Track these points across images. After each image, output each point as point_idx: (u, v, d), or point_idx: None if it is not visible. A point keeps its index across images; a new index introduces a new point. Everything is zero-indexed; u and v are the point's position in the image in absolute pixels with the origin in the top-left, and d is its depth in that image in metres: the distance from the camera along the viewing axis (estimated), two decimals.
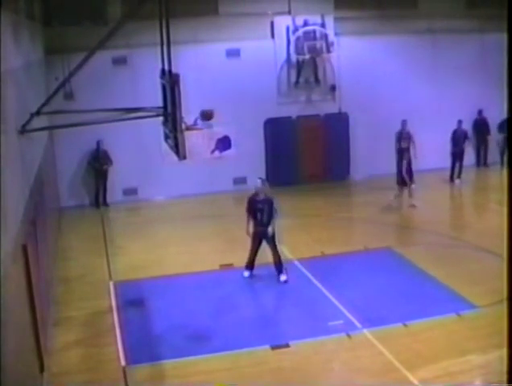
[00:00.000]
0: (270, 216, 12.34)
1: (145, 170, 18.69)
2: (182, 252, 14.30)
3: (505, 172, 15.27)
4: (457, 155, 19.31)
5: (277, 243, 12.40)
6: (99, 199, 18.60)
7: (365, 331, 9.94)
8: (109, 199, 18.64)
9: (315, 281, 12.07)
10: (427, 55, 20.32)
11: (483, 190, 19.56)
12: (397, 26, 19.81)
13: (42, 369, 8.68)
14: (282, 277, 12.16)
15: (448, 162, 19.39)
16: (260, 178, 12.97)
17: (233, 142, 19.19)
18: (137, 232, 15.96)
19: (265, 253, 13.78)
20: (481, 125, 20.88)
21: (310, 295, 11.53)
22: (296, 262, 13.13)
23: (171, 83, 9.02)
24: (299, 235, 15.15)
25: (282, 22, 19.16)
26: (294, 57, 19.36)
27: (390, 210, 16.80)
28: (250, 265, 12.56)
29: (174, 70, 9.14)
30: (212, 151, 19.16)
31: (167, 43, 9.20)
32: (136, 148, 18.45)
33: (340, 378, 9.02)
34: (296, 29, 19.10)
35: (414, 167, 18.17)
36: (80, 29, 17.08)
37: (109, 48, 12.56)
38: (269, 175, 20.02)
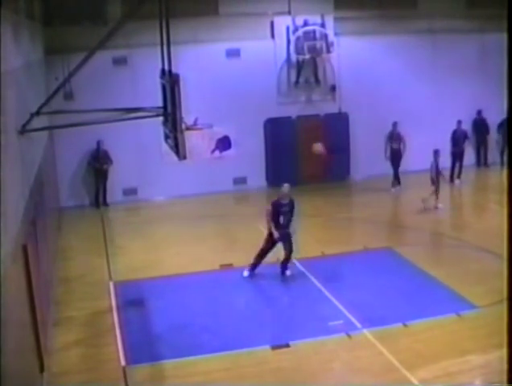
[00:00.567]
0: (291, 218, 12.54)
1: (145, 170, 18.69)
2: (182, 252, 14.29)
3: (505, 172, 15.26)
4: (457, 155, 19.30)
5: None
6: (99, 198, 18.60)
7: (365, 331, 9.94)
8: (109, 199, 18.64)
9: (315, 281, 12.07)
10: (427, 55, 20.32)
11: (483, 190, 19.56)
12: (397, 26, 19.81)
13: (42, 369, 8.67)
14: (288, 272, 12.34)
15: (447, 162, 19.37)
16: (285, 184, 12.87)
17: (233, 142, 19.38)
18: (137, 232, 15.96)
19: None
20: (480, 125, 20.89)
21: (310, 295, 11.54)
22: (296, 262, 13.12)
23: (171, 83, 9.02)
24: (299, 235, 15.12)
25: (282, 22, 19.15)
26: (294, 57, 19.36)
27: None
28: (254, 266, 12.53)
29: (174, 70, 9.15)
30: (212, 151, 19.35)
31: (167, 43, 9.21)
32: (136, 148, 18.46)
33: (340, 378, 9.02)
34: (296, 29, 19.10)
35: (406, 168, 18.26)
36: (80, 29, 17.08)
37: (109, 48, 12.57)
38: (269, 175, 20.06)
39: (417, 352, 9.23)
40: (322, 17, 19.19)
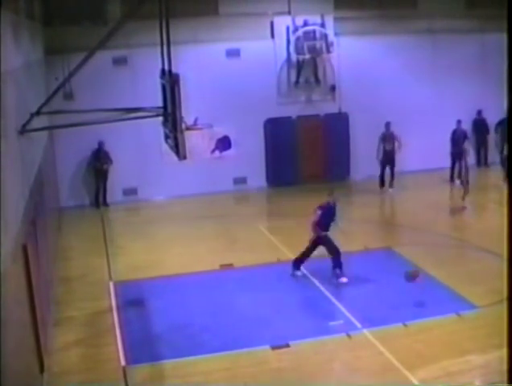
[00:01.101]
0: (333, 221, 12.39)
1: (145, 170, 18.69)
2: (182, 252, 14.29)
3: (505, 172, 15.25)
4: (457, 155, 19.28)
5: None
6: (99, 199, 18.60)
7: (365, 331, 9.94)
8: (109, 199, 18.65)
9: (315, 281, 12.07)
10: (427, 55, 20.32)
11: (483, 190, 19.53)
12: (397, 26, 19.81)
13: (42, 369, 8.68)
14: (344, 279, 11.97)
15: (448, 162, 19.38)
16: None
17: (233, 142, 19.38)
18: (137, 232, 15.96)
19: (262, 253, 13.81)
20: (480, 125, 20.90)
21: (310, 295, 11.54)
22: None
23: (171, 83, 9.02)
24: (299, 235, 15.11)
25: (282, 22, 19.16)
26: (294, 57, 19.37)
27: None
28: (300, 263, 12.43)
29: (174, 70, 9.15)
30: (212, 151, 19.34)
31: (167, 43, 9.21)
32: (136, 148, 18.46)
33: (340, 378, 9.02)
34: (296, 29, 19.11)
35: (406, 168, 18.18)
36: (80, 29, 17.08)
37: (109, 48, 12.56)
38: (269, 175, 20.06)
39: (417, 352, 9.23)
40: (322, 17, 19.20)
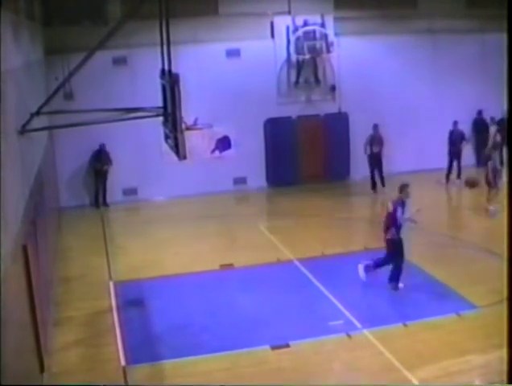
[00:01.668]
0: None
1: (145, 170, 18.69)
2: (182, 252, 14.29)
3: (504, 172, 15.27)
4: (454, 156, 19.24)
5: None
6: (99, 199, 18.61)
7: (365, 331, 9.93)
8: (109, 199, 18.65)
9: (315, 281, 12.07)
10: (427, 55, 20.32)
11: (483, 190, 19.53)
12: (397, 26, 19.82)
13: (42, 369, 8.67)
14: (401, 285, 11.46)
15: (445, 163, 19.37)
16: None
17: (233, 142, 19.41)
18: (137, 232, 15.96)
19: (262, 253, 13.81)
20: (480, 125, 20.89)
21: (310, 295, 11.53)
22: (296, 262, 13.14)
23: (171, 83, 9.02)
24: (299, 235, 15.15)
25: (282, 22, 19.16)
26: (294, 57, 19.37)
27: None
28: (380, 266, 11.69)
29: (174, 70, 9.14)
30: (212, 151, 19.36)
31: (167, 43, 9.21)
32: (136, 148, 18.46)
33: (340, 378, 9.02)
34: (296, 29, 19.11)
35: (407, 168, 18.11)
36: (80, 29, 17.09)
37: (109, 48, 12.55)
38: (269, 175, 20.06)
39: (417, 352, 9.22)
40: (322, 17, 19.20)
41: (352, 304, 10.87)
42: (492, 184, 16.02)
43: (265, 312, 10.89)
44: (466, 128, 20.06)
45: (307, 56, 19.17)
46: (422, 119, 20.22)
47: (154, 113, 10.01)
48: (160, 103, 9.90)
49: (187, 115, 10.01)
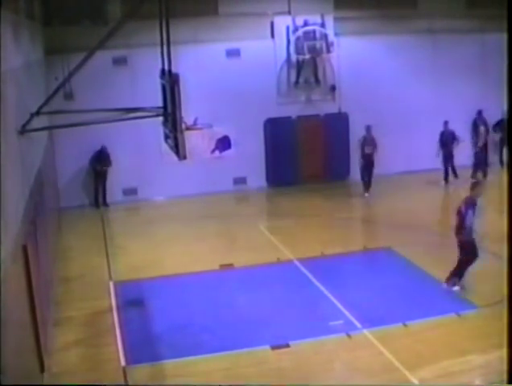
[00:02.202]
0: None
1: (145, 170, 18.69)
2: (182, 252, 14.30)
3: (504, 172, 15.26)
4: (446, 157, 19.15)
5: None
6: (98, 199, 18.60)
7: (365, 331, 9.93)
8: (108, 199, 18.65)
9: (315, 281, 12.07)
10: (427, 55, 20.32)
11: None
12: (397, 26, 19.81)
13: (42, 369, 8.67)
14: (456, 288, 11.21)
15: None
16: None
17: (233, 142, 19.40)
18: (137, 232, 15.96)
19: (262, 253, 13.82)
20: (480, 125, 20.85)
21: (310, 295, 11.53)
22: (296, 262, 13.14)
23: (171, 83, 9.02)
24: (299, 235, 15.16)
25: (282, 22, 19.16)
26: (294, 57, 19.37)
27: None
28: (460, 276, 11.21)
29: (174, 70, 9.14)
30: (212, 151, 19.35)
31: (167, 43, 9.20)
32: (136, 148, 18.46)
33: (340, 378, 9.02)
34: (296, 29, 19.11)
35: (407, 168, 17.97)
36: (80, 29, 17.09)
37: (109, 48, 12.54)
38: (269, 175, 20.06)
39: (417, 352, 9.22)
40: (322, 17, 19.20)
41: (352, 304, 10.86)
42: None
43: (265, 312, 10.89)
44: (466, 128, 20.03)
45: (307, 56, 19.17)
46: (422, 119, 20.20)
47: (154, 113, 10.01)
48: (160, 103, 9.90)
49: (187, 115, 10.00)
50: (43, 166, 12.87)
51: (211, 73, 18.59)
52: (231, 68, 18.88)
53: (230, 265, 13.22)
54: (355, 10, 19.44)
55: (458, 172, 19.25)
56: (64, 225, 16.61)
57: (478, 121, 20.11)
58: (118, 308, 11.32)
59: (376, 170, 18.93)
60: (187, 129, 9.95)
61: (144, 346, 9.85)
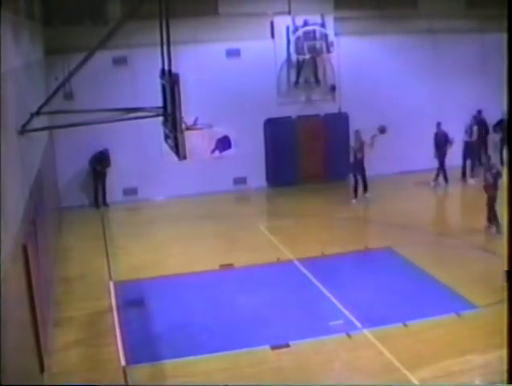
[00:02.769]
0: None
1: (145, 170, 18.69)
2: (182, 252, 14.29)
3: (504, 172, 15.26)
4: (440, 158, 19.06)
5: None
6: (98, 199, 18.60)
7: (365, 331, 9.94)
8: (109, 199, 18.64)
9: (315, 281, 12.07)
10: (427, 55, 20.32)
11: (482, 189, 19.53)
12: (397, 26, 19.81)
13: (42, 369, 8.68)
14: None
15: (450, 162, 19.36)
16: None
17: (233, 142, 19.38)
18: (137, 232, 15.96)
19: (262, 253, 13.82)
20: (480, 126, 20.84)
21: (310, 295, 11.53)
22: (296, 262, 13.14)
23: (171, 83, 9.02)
24: (299, 235, 15.16)
25: (282, 22, 19.16)
26: (294, 57, 19.37)
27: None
28: None
29: (174, 70, 9.15)
30: (212, 151, 19.33)
31: (167, 43, 9.21)
32: (136, 148, 18.45)
33: (340, 378, 9.02)
34: (296, 29, 19.11)
35: (407, 168, 17.78)
36: (80, 29, 17.09)
37: (109, 48, 12.55)
38: (269, 175, 20.06)
39: (417, 352, 9.23)
40: (322, 17, 19.20)
41: (352, 304, 10.87)
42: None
43: (265, 312, 10.90)
44: (466, 127, 20.00)
45: (307, 56, 19.17)
46: (422, 119, 20.19)
47: (154, 113, 10.01)
48: (160, 103, 9.90)
49: (187, 115, 10.00)
50: (43, 166, 12.87)
51: (211, 73, 18.59)
52: (231, 68, 18.88)
53: (230, 265, 13.22)
54: (355, 10, 19.44)
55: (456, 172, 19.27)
56: (64, 225, 16.61)
57: (472, 120, 20.03)
58: (118, 308, 11.32)
59: (376, 170, 18.94)
60: (187, 129, 9.95)
61: (144, 346, 9.85)
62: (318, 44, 19.17)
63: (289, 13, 19.13)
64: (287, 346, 9.61)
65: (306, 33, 19.09)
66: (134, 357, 9.49)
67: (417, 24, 20.07)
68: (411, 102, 20.23)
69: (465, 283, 11.52)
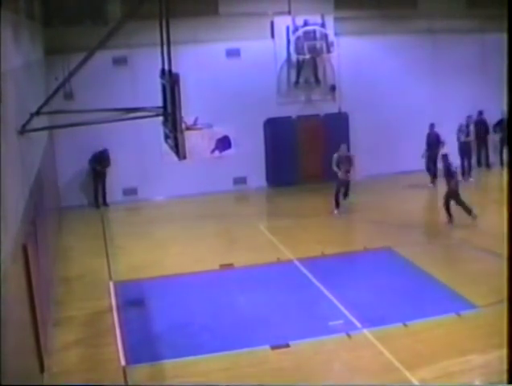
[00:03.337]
0: None
1: (145, 170, 18.70)
2: (182, 252, 14.30)
3: (504, 172, 15.26)
4: (431, 159, 19.06)
5: None
6: (98, 199, 18.60)
7: (365, 331, 9.94)
8: (108, 199, 18.65)
9: (315, 281, 12.07)
10: (427, 55, 20.33)
11: (483, 190, 19.56)
12: (397, 26, 19.82)
13: (42, 369, 8.67)
14: None
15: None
16: None
17: (233, 142, 19.39)
18: (137, 232, 15.96)
19: (262, 253, 13.82)
20: (481, 126, 20.85)
21: (310, 295, 11.53)
22: (296, 262, 13.14)
23: (171, 83, 9.02)
24: (299, 235, 15.15)
25: (282, 22, 19.17)
26: (294, 57, 19.38)
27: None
28: None
29: (174, 70, 9.15)
30: (212, 151, 19.34)
31: (167, 43, 9.21)
32: (136, 148, 18.46)
33: (340, 378, 9.02)
34: (296, 29, 19.11)
35: (403, 168, 17.67)
36: (80, 29, 17.09)
37: (109, 48, 12.56)
38: (269, 175, 20.07)
39: (417, 352, 9.22)
40: (322, 17, 19.20)
41: (352, 304, 10.86)
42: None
43: (265, 312, 10.89)
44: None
45: (307, 56, 19.17)
46: (422, 119, 20.17)
47: (154, 113, 10.01)
48: (160, 103, 9.90)
49: (187, 115, 10.01)
50: (43, 166, 12.87)
51: (211, 73, 18.59)
52: (231, 68, 18.88)
53: (230, 265, 13.22)
54: (355, 10, 19.45)
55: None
56: (64, 225, 16.61)
57: (468, 120, 20.00)
58: (118, 308, 11.32)
59: (376, 170, 18.96)
60: (187, 129, 9.95)
61: (144, 346, 9.85)
62: (318, 44, 19.17)
63: (289, 13, 19.14)
64: (287, 346, 9.60)
65: (306, 33, 19.10)
66: (134, 357, 9.49)
67: (417, 24, 20.08)
68: (411, 102, 20.23)
69: (465, 283, 11.52)
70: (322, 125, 19.88)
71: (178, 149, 9.11)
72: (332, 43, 19.21)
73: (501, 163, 20.42)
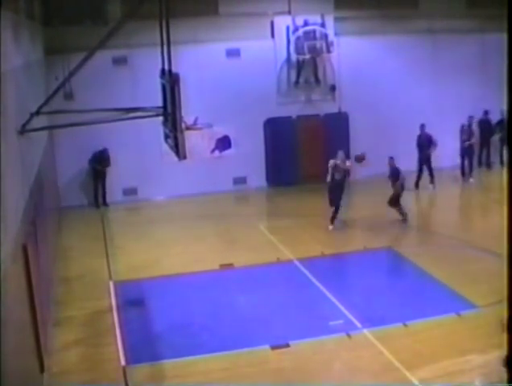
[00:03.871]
0: None
1: (145, 170, 18.69)
2: (182, 252, 14.30)
3: (505, 172, 15.25)
4: (423, 160, 19.01)
5: None
6: (98, 199, 18.60)
7: (365, 331, 9.94)
8: (108, 199, 18.64)
9: (315, 281, 12.06)
10: (427, 55, 20.33)
11: (483, 190, 19.55)
12: (397, 26, 19.82)
13: (42, 369, 8.67)
14: None
15: (450, 161, 19.35)
16: None
17: (233, 142, 19.40)
18: (137, 232, 15.96)
19: (262, 253, 13.82)
20: (485, 126, 20.81)
21: (310, 295, 11.53)
22: (296, 262, 13.13)
23: (171, 83, 9.03)
24: (299, 235, 15.15)
25: (282, 22, 19.16)
26: (294, 57, 19.37)
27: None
28: None
29: (174, 70, 9.15)
30: (212, 151, 19.35)
31: (167, 43, 9.21)
32: (136, 148, 18.45)
33: (340, 378, 9.02)
34: (296, 29, 19.11)
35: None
36: (80, 29, 17.08)
37: (109, 48, 12.55)
38: (269, 175, 20.06)
39: (417, 352, 9.23)
40: (322, 17, 19.20)
41: (352, 304, 10.87)
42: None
43: (265, 312, 10.89)
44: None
45: (307, 56, 19.17)
46: (422, 119, 20.16)
47: (154, 113, 10.01)
48: (160, 103, 9.90)
49: (187, 115, 10.01)
50: (43, 166, 12.87)
51: (211, 73, 18.59)
52: (231, 68, 18.88)
53: (230, 265, 13.22)
54: (355, 10, 19.45)
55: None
56: (64, 225, 16.61)
57: (469, 120, 19.97)
58: (118, 308, 11.32)
59: (375, 170, 18.91)
60: (187, 128, 9.97)
61: (144, 346, 9.85)
62: (318, 44, 19.17)
63: (289, 13, 19.13)
64: (287, 346, 9.60)
65: (306, 33, 19.10)
66: (133, 357, 9.49)
67: (417, 24, 20.07)
68: (411, 102, 20.22)
69: (465, 283, 11.52)
70: (322, 125, 19.88)
71: (178, 149, 9.11)
72: (332, 43, 19.22)
73: (501, 163, 20.41)
